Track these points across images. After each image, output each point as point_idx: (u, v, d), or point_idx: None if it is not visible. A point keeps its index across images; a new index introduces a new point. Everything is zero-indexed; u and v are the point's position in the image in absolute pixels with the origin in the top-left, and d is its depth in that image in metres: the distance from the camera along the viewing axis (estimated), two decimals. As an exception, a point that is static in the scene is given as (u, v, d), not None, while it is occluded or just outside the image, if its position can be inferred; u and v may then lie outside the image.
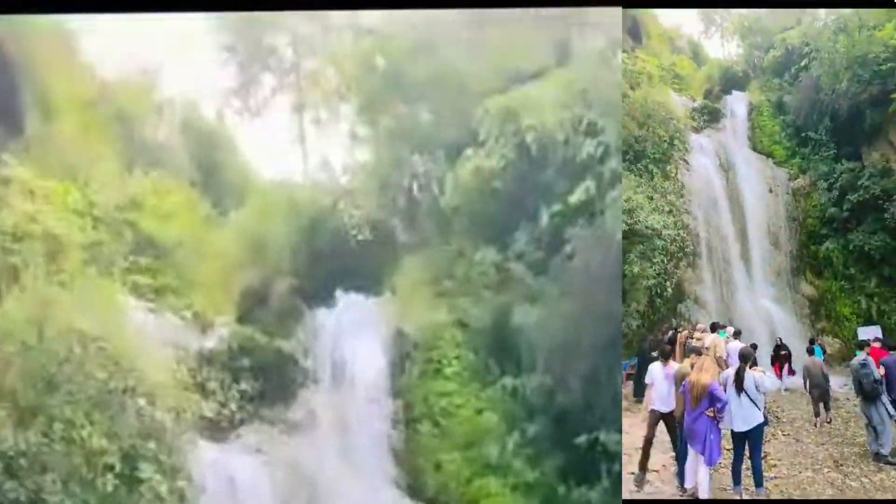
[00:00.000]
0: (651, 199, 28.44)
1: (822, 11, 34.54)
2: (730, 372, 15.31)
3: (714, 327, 23.47)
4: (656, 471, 16.71)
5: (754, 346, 19.79)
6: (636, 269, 25.02)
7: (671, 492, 15.90)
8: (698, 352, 15.82)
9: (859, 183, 32.58)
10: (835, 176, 33.93)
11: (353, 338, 17.30)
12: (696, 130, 35.63)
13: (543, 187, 17.08)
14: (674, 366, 16.01)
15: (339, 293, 18.05)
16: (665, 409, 15.78)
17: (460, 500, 16.48)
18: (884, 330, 28.27)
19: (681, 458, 15.75)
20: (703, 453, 14.53)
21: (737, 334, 23.05)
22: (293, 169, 18.76)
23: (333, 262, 18.04)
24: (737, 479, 15.23)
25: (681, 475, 15.75)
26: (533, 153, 17.09)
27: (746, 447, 15.07)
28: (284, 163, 18.70)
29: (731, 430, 15.09)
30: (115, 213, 16.75)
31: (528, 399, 16.66)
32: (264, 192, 18.40)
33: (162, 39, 15.95)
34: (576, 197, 16.33)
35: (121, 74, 16.65)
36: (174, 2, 15.17)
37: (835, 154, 34.82)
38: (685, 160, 32.69)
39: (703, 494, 14.80)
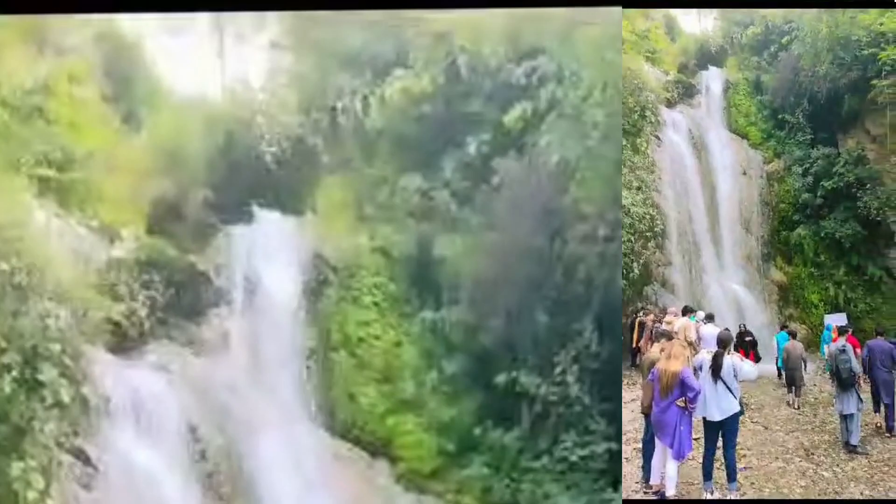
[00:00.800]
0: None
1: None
2: (703, 357, 14.14)
3: (686, 311, 22.49)
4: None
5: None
6: (601, 247, 24.06)
7: (632, 488, 14.66)
8: (668, 336, 14.74)
9: (834, 170, 32.41)
10: (810, 161, 33.73)
11: (269, 258, 16.58)
12: (670, 104, 34.69)
13: (474, 114, 16.48)
14: None
15: (256, 210, 17.29)
16: None
17: (373, 436, 15.94)
18: (849, 317, 27.81)
19: (646, 452, 14.58)
20: (671, 446, 13.24)
21: (709, 318, 22.08)
22: (211, 83, 17.91)
23: (251, 177, 17.20)
24: (707, 473, 13.93)
25: (646, 469, 14.58)
26: (464, 77, 16.52)
27: (719, 439, 13.77)
28: (202, 77, 17.84)
29: (704, 420, 13.78)
30: (25, 98, 15.99)
31: (448, 335, 16.08)
32: (179, 107, 17.59)
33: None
34: (509, 121, 15.69)
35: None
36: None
37: (811, 139, 34.44)
38: (656, 136, 31.89)
39: (671, 491, 13.60)
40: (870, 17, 30.85)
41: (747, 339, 27.30)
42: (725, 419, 13.44)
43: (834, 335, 24.62)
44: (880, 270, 31.48)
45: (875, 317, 29.89)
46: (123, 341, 15.07)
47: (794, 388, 22.25)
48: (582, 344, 15.14)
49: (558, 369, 15.09)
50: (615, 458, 15.00)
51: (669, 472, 13.59)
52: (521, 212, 15.28)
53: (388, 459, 15.78)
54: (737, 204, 33.98)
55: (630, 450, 16.13)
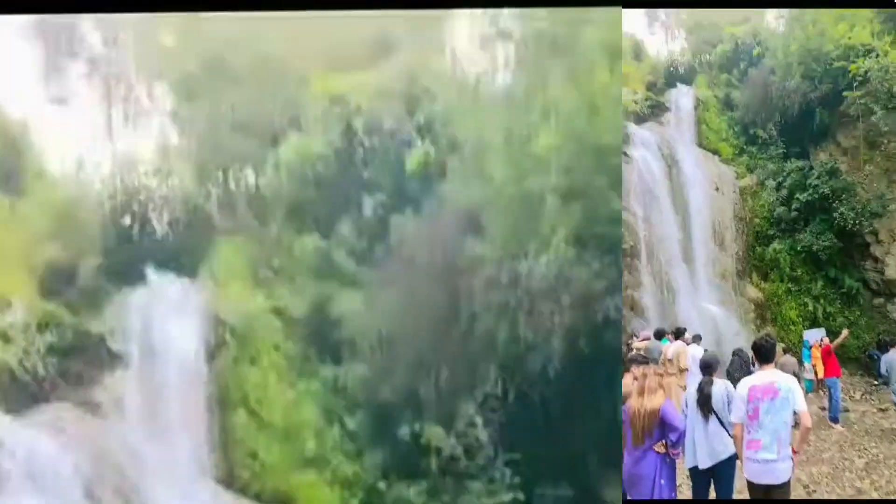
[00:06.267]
0: (584, 187, 27.19)
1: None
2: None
3: (659, 334, 21.10)
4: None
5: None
6: (566, 267, 23.60)
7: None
8: (643, 362, 11.81)
9: (808, 182, 32.02)
10: (783, 175, 33.34)
11: (166, 320, 16.62)
12: (639, 119, 34.38)
13: (370, 176, 16.52)
14: None
15: (150, 274, 17.30)
16: None
17: (277, 494, 15.95)
18: (829, 332, 27.32)
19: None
20: None
21: (696, 338, 20.46)
22: (102, 152, 17.85)
23: (144, 242, 17.38)
24: None
25: None
26: (360, 139, 16.55)
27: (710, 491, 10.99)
28: (92, 147, 17.79)
29: (692, 468, 11.10)
30: None
31: (349, 391, 16.12)
32: (66, 180, 17.56)
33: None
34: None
35: None
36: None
37: (783, 153, 34.19)
38: (624, 152, 31.48)
39: None
40: (839, 31, 30.90)
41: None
42: (718, 464, 10.72)
43: (814, 351, 24.56)
44: (857, 282, 31.12)
45: (854, 330, 29.31)
46: (18, 387, 14.94)
47: None
48: (485, 392, 15.00)
49: (462, 421, 14.96)
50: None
51: (647, 533, 10.63)
52: (419, 268, 15.23)
53: (291, 516, 15.69)
54: (710, 220, 33.24)
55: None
